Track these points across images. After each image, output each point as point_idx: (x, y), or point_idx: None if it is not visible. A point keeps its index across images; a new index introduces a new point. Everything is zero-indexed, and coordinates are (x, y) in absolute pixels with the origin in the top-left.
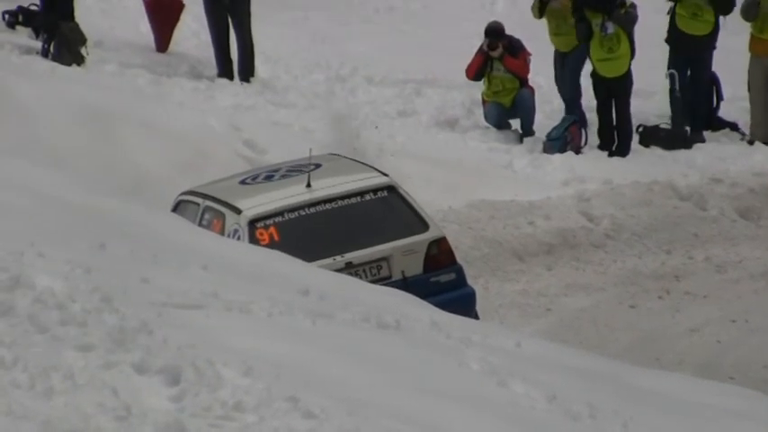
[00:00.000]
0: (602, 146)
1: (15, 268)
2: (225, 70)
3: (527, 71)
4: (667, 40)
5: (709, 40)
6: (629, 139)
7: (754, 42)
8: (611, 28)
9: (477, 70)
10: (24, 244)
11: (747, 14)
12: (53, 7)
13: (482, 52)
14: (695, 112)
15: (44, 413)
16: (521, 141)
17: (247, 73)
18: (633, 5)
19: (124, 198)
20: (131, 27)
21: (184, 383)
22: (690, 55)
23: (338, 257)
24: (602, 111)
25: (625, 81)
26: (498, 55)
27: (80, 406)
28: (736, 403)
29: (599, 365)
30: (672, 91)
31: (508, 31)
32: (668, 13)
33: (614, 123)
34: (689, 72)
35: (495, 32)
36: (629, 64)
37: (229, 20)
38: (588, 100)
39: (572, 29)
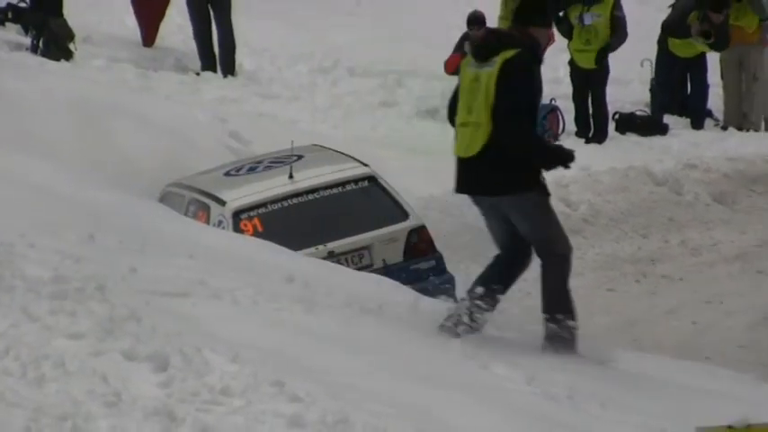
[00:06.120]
0: (580, 133)
1: (6, 259)
2: (208, 64)
3: None
4: (659, 56)
5: (702, 56)
6: (606, 126)
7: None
8: (588, 20)
9: (456, 68)
10: (15, 235)
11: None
12: (41, 4)
13: (462, 51)
14: (698, 109)
15: (36, 400)
16: None
17: (229, 67)
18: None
19: (112, 189)
20: (118, 22)
21: (172, 370)
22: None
23: (320, 247)
24: (578, 99)
25: (601, 71)
26: None
27: (71, 392)
28: (712, 382)
29: (578, 348)
30: (652, 79)
31: (489, 22)
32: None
33: (590, 111)
34: (688, 75)
35: (476, 20)
36: (606, 55)
37: (210, 13)
38: (566, 87)
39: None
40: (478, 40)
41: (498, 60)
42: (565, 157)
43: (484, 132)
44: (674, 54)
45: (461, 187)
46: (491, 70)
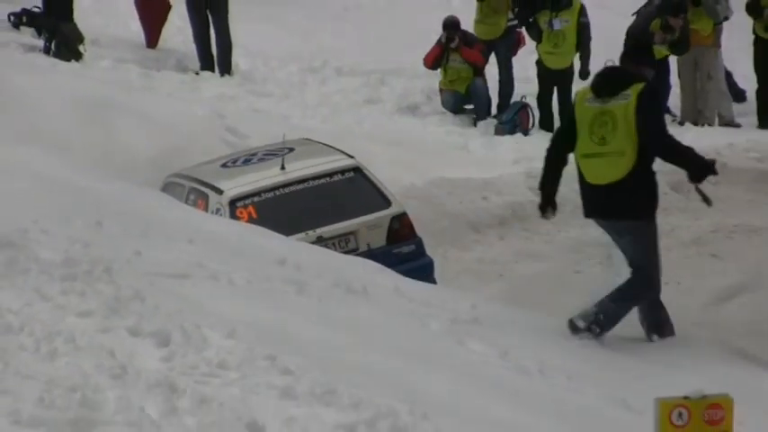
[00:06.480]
0: (544, 126)
1: (21, 243)
2: (207, 64)
3: (482, 60)
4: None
5: (667, 58)
6: None
7: None
8: (557, 25)
9: (435, 60)
10: (29, 222)
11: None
12: (53, 9)
13: (440, 44)
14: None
15: (48, 373)
16: (475, 125)
17: (225, 67)
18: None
19: (117, 180)
20: (123, 26)
21: (174, 345)
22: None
23: (310, 232)
24: (543, 100)
25: (567, 72)
26: (455, 46)
27: (80, 366)
28: (669, 357)
29: (547, 325)
30: None
31: (463, 26)
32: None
33: (556, 110)
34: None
35: (452, 25)
36: (572, 58)
37: (209, 17)
38: (535, 86)
39: (498, 19)
40: (602, 79)
41: (632, 93)
42: (713, 165)
43: (629, 159)
44: None
45: (596, 212)
46: (626, 102)
